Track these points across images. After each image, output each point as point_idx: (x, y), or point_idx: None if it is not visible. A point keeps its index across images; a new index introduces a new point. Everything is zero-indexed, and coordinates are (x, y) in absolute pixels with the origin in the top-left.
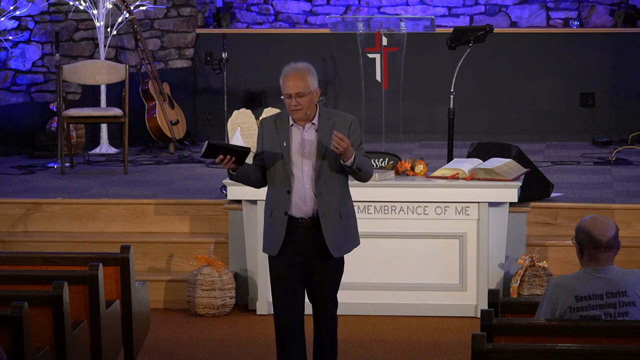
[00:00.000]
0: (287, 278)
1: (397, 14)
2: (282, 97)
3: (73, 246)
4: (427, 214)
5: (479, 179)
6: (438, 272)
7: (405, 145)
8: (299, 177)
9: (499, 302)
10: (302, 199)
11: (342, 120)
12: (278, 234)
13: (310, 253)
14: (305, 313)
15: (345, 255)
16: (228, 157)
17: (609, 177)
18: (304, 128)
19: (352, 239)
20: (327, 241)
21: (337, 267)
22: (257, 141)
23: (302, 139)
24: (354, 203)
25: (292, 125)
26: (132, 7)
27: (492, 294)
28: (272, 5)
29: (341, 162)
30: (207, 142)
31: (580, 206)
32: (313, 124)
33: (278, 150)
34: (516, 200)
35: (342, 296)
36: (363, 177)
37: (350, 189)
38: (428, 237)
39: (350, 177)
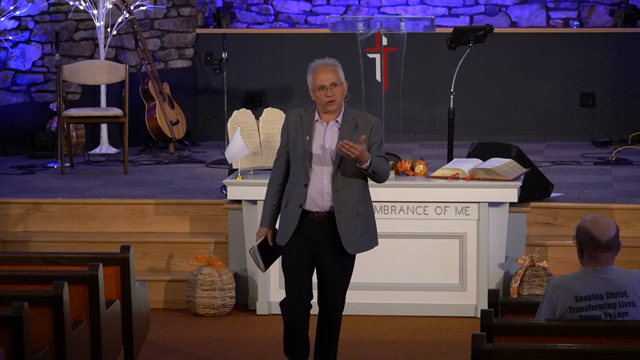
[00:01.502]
0: (294, 266)
1: (397, 14)
2: (312, 92)
3: (73, 246)
4: (427, 214)
5: (479, 179)
6: (438, 272)
7: (405, 145)
8: (317, 172)
9: (499, 302)
10: (320, 193)
11: (364, 121)
12: (290, 226)
13: (322, 248)
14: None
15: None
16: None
17: (609, 177)
18: (327, 124)
19: (369, 238)
20: (342, 237)
21: (347, 265)
22: (282, 134)
23: (325, 135)
24: None
25: (316, 120)
26: (132, 7)
27: (492, 294)
28: (272, 5)
29: (357, 165)
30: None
31: (580, 206)
32: (337, 121)
33: (300, 143)
34: (516, 200)
35: None
36: (379, 178)
37: None
38: (428, 237)
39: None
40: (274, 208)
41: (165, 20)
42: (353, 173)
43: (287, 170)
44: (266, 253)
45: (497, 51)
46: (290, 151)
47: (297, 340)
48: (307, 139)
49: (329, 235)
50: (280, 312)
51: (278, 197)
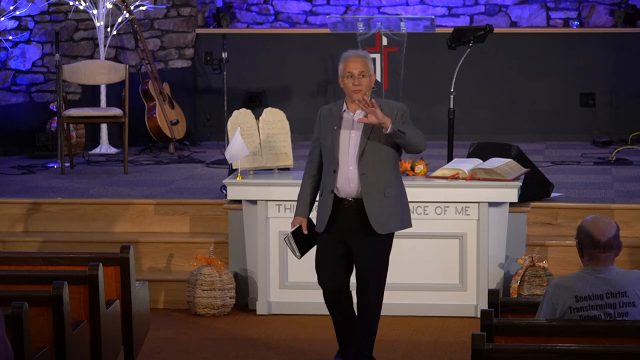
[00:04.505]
0: (326, 250)
1: (397, 14)
2: (341, 79)
3: (73, 246)
4: (427, 214)
5: (479, 179)
6: (438, 272)
7: None
8: (344, 159)
9: (499, 302)
10: (347, 180)
11: (389, 107)
12: (326, 212)
13: (354, 234)
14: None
15: None
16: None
17: (609, 177)
18: (354, 113)
19: (399, 218)
20: (369, 218)
21: (380, 249)
22: (315, 127)
23: (351, 124)
24: None
25: (344, 111)
26: (132, 7)
27: (492, 294)
28: (272, 5)
29: (383, 131)
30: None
31: (580, 206)
32: (362, 110)
33: (330, 134)
34: (516, 200)
35: None
36: (412, 141)
37: None
38: (428, 237)
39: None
40: (307, 198)
41: (165, 20)
42: (378, 157)
43: (320, 162)
44: (301, 241)
45: (497, 51)
46: (321, 142)
47: (337, 321)
48: (336, 128)
49: (360, 221)
50: (280, 313)
51: (311, 187)
